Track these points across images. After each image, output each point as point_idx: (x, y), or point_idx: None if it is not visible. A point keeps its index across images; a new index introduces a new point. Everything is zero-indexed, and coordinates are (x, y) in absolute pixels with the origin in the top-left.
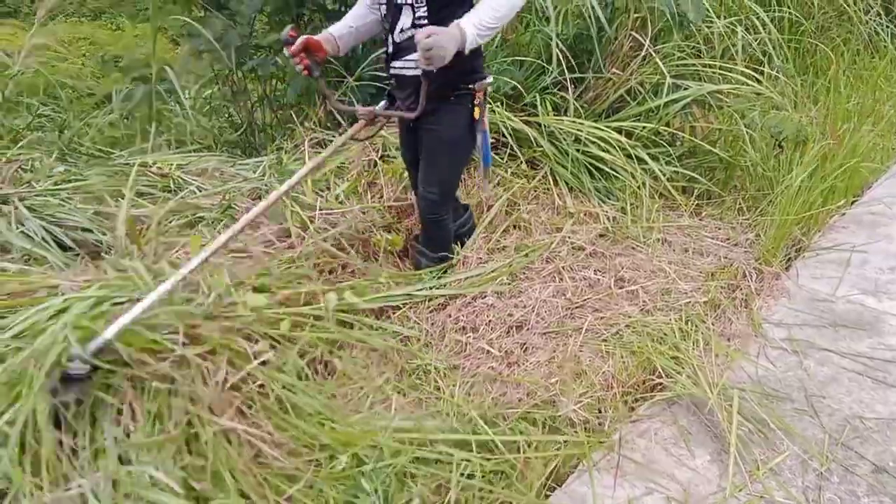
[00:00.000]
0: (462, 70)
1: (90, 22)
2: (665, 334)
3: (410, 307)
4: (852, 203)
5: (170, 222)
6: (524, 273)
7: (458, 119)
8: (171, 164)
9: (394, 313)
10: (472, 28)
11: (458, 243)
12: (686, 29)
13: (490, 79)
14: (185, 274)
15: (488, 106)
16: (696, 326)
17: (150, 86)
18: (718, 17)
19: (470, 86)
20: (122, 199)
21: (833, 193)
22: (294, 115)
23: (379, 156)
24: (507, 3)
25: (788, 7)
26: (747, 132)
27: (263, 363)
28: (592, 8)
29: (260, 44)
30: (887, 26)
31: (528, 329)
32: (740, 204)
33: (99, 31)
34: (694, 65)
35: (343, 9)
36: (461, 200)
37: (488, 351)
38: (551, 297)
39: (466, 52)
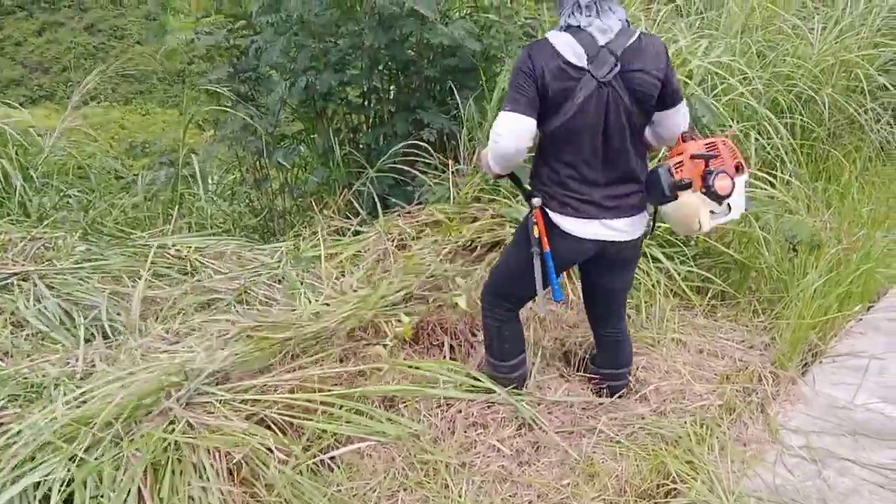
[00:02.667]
0: (532, 179)
1: (121, 107)
2: (679, 437)
3: (420, 399)
4: (868, 308)
5: (184, 304)
6: (539, 370)
7: (521, 227)
8: (190, 247)
9: (403, 405)
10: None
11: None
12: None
13: (536, 201)
14: None
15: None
16: (712, 430)
17: (176, 169)
18: (732, 122)
19: (529, 199)
20: (139, 279)
21: (849, 298)
22: (314, 203)
23: (394, 245)
24: (492, 147)
25: (800, 114)
26: (762, 234)
27: (270, 451)
28: None
29: (284, 133)
30: None
31: (540, 427)
32: (755, 306)
33: (129, 115)
34: None
35: (367, 104)
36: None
37: (499, 449)
38: (564, 395)
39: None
